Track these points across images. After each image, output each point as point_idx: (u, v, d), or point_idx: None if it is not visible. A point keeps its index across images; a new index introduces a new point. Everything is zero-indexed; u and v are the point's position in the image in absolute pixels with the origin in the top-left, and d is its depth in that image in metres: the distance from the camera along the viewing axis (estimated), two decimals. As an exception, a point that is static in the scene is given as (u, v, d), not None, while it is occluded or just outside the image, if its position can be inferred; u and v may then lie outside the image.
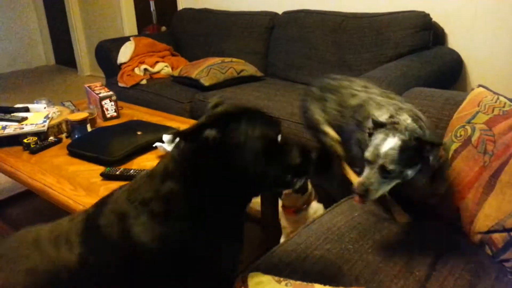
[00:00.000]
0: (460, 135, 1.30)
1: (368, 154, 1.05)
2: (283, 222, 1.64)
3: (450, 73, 2.30)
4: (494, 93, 1.34)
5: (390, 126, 1.07)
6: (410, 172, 1.05)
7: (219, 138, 0.78)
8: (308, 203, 1.54)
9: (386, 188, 1.06)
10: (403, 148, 1.02)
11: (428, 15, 2.31)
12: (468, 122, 1.30)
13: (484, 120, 1.25)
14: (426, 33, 2.29)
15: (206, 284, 0.86)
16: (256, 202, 1.69)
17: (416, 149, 1.02)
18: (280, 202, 1.60)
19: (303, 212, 1.55)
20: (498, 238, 1.10)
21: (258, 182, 0.83)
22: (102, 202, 0.91)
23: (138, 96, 2.84)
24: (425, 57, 2.18)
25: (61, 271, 0.85)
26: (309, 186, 1.55)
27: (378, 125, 1.09)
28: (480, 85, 1.41)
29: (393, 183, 1.05)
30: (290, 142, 0.87)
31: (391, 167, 1.01)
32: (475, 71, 2.40)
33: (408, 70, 1.97)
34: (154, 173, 0.87)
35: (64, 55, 5.86)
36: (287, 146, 0.86)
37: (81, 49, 5.32)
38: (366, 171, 1.05)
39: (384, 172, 1.03)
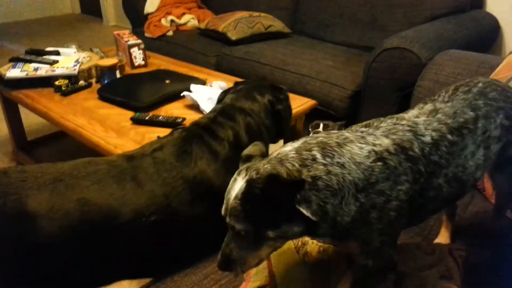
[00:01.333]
0: (493, 99, 1.28)
1: (222, 211, 0.73)
2: None
3: (487, 38, 2.22)
4: (533, 57, 1.30)
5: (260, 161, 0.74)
6: (273, 234, 0.69)
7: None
8: None
9: (261, 254, 0.73)
10: (249, 195, 0.68)
11: (469, -25, 2.21)
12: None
13: (521, 84, 1.22)
14: (464, -5, 2.20)
15: None
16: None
17: (271, 195, 0.67)
18: None
19: None
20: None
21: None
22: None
23: (164, 48, 2.84)
24: (461, 20, 2.10)
25: (121, 211, 0.90)
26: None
27: (243, 158, 0.78)
28: (519, 49, 1.37)
29: (268, 246, 0.72)
30: None
31: (236, 225, 0.70)
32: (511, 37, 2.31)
33: (443, 32, 1.91)
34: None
35: (90, 4, 5.83)
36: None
37: (107, -2, 5.28)
38: (226, 236, 0.74)
39: (236, 234, 0.71)
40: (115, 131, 1.48)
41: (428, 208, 0.85)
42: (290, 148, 0.74)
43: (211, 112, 1.20)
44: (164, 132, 1.47)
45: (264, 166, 0.70)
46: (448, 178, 0.82)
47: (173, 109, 1.67)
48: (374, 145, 0.75)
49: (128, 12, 3.26)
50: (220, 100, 1.29)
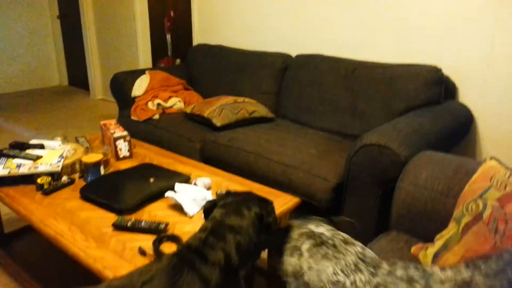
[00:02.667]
0: (472, 209, 1.31)
1: None
2: None
3: (461, 129, 2.31)
4: (507, 168, 1.35)
5: None
6: None
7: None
8: None
9: None
10: None
11: (440, 70, 2.35)
12: (480, 197, 1.31)
13: (497, 197, 1.26)
14: (438, 88, 2.32)
15: None
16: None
17: None
18: None
19: None
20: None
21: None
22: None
23: (150, 131, 2.89)
24: (436, 113, 2.20)
25: None
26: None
27: None
28: (492, 157, 1.43)
29: None
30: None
31: None
32: (485, 127, 2.41)
33: (420, 128, 1.99)
34: None
35: (78, 77, 5.98)
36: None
37: (95, 73, 5.42)
38: None
39: None
40: (95, 240, 1.45)
41: None
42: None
43: (201, 231, 1.17)
44: (146, 239, 1.46)
45: None
46: None
47: (156, 210, 1.66)
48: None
49: (116, 94, 3.34)
50: (207, 212, 1.28)
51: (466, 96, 2.45)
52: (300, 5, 3.08)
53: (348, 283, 0.76)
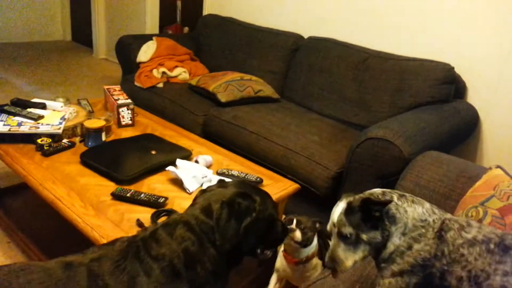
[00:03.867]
0: (471, 216, 1.31)
1: (327, 226, 1.08)
2: (278, 264, 1.65)
3: (466, 130, 2.31)
4: (511, 178, 1.35)
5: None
6: (365, 236, 1.01)
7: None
8: (310, 258, 1.55)
9: (356, 256, 1.03)
10: (349, 210, 1.02)
11: (453, 68, 2.32)
12: (482, 204, 1.31)
13: (498, 207, 1.26)
14: (448, 87, 2.30)
15: None
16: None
17: (364, 211, 1.00)
18: (282, 246, 1.61)
19: (302, 265, 1.56)
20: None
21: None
22: None
23: (153, 99, 2.85)
24: (444, 112, 2.18)
25: None
26: (315, 241, 1.56)
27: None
28: (498, 166, 1.42)
29: (361, 250, 1.02)
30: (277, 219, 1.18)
31: (343, 230, 1.01)
32: (490, 131, 2.41)
33: (426, 126, 1.98)
34: None
35: (82, 33, 5.85)
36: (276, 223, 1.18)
37: (100, 32, 5.31)
38: (331, 243, 1.07)
39: (342, 238, 1.03)
40: (94, 207, 1.45)
41: None
42: (378, 190, 1.05)
43: (160, 223, 1.11)
44: (145, 211, 1.46)
45: (357, 196, 1.04)
46: (470, 275, 0.91)
47: (156, 183, 1.65)
48: (434, 221, 1.00)
49: (120, 57, 3.28)
50: (194, 199, 1.17)
51: (475, 97, 2.43)
52: (317, -15, 2.99)
53: (431, 220, 1.00)
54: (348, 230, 1.01)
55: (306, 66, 2.81)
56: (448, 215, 1.04)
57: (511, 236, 0.95)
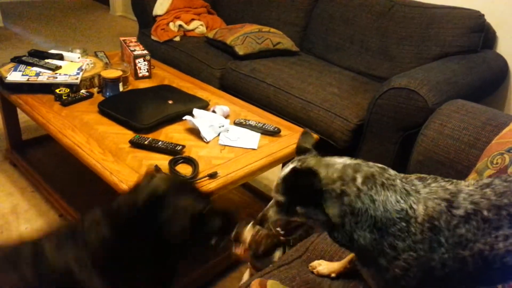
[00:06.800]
0: (497, 163, 1.27)
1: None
2: None
3: (495, 80, 2.21)
4: (541, 125, 1.29)
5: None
6: (301, 210, 0.87)
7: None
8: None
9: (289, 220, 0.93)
10: (290, 176, 0.88)
11: (483, 16, 2.19)
12: (508, 151, 1.26)
13: (526, 154, 1.21)
14: (477, 36, 2.18)
15: None
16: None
17: (297, 181, 0.86)
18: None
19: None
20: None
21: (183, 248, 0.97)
22: None
23: (169, 53, 2.81)
24: (472, 63, 2.08)
25: None
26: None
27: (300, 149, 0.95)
28: (527, 113, 1.36)
29: (297, 218, 0.91)
30: (215, 211, 1.00)
31: (276, 196, 0.90)
32: (520, 82, 2.30)
33: (453, 76, 1.89)
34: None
35: (98, -10, 5.76)
36: (212, 215, 0.99)
37: (116, -12, 5.21)
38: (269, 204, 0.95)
39: (278, 203, 0.91)
40: (112, 154, 1.46)
41: (454, 280, 0.85)
42: (341, 161, 0.87)
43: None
44: (162, 158, 1.46)
45: (310, 161, 0.88)
46: (474, 252, 0.83)
47: (173, 132, 1.65)
48: (410, 207, 0.82)
49: (137, 11, 3.22)
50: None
51: (505, 47, 2.31)
52: None
53: (406, 207, 0.82)
54: (279, 197, 0.89)
55: (327, 17, 2.70)
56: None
57: (494, 202, 0.83)
